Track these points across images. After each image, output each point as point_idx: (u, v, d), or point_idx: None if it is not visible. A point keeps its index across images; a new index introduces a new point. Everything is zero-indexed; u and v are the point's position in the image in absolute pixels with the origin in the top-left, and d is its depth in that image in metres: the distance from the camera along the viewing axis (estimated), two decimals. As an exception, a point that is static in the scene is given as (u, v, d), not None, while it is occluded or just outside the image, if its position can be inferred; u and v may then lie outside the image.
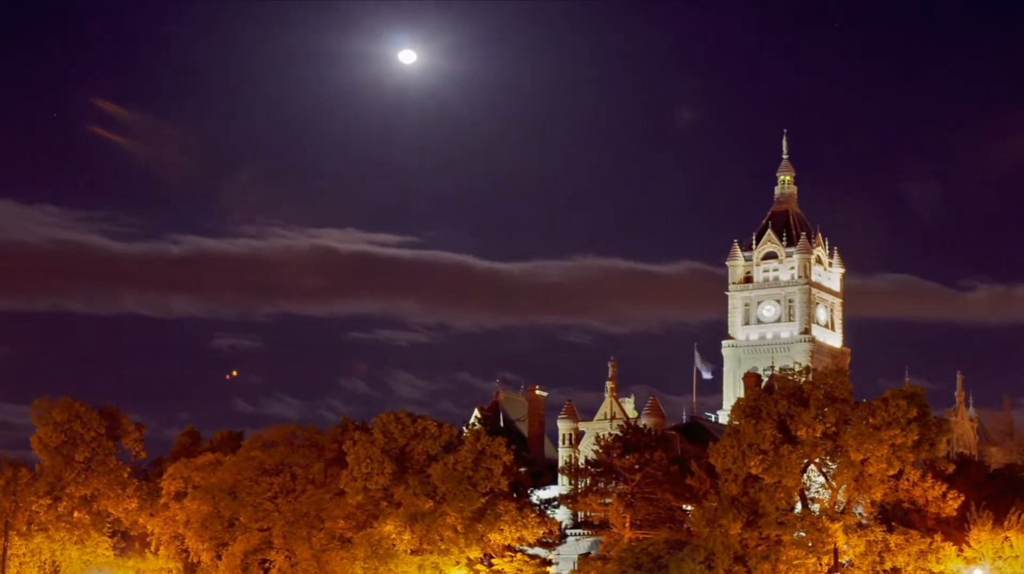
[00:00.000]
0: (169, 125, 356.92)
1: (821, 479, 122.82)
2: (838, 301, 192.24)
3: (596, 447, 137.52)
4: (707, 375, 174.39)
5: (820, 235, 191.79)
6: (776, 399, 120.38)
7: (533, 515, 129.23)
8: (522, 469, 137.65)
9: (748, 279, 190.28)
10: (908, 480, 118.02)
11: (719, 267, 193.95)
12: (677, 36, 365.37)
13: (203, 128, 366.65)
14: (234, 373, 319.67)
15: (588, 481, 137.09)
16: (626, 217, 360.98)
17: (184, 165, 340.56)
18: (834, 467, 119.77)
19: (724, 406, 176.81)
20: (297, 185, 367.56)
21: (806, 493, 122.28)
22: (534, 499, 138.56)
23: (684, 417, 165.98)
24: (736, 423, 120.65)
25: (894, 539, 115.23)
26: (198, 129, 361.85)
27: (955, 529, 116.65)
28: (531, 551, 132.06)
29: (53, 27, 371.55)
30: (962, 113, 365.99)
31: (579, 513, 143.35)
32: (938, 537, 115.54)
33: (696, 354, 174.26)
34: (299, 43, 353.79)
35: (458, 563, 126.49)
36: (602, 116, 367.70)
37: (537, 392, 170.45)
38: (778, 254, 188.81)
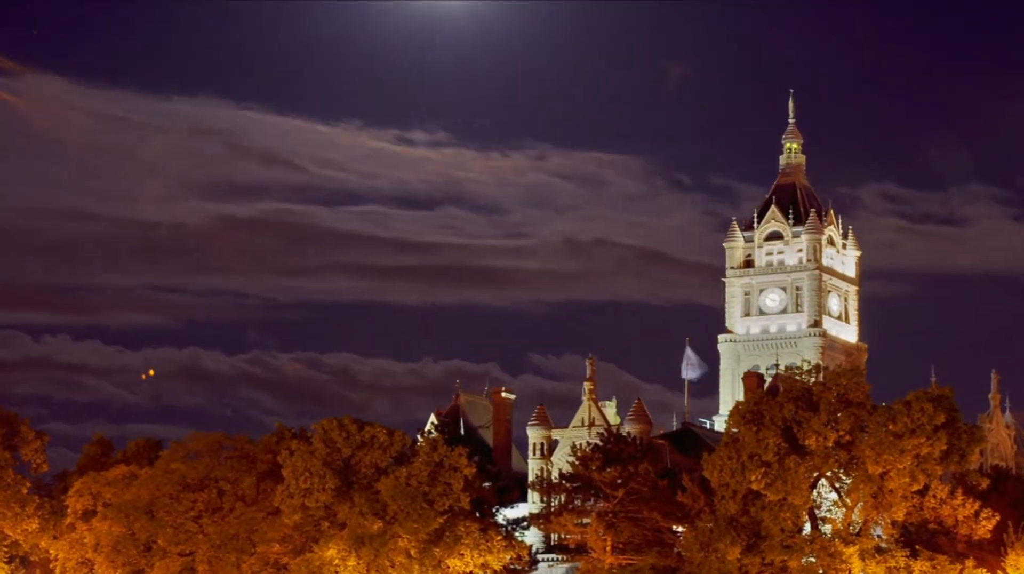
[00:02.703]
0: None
1: (834, 496, 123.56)
2: (853, 289, 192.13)
3: (572, 458, 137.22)
4: (691, 375, 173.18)
5: (832, 212, 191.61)
6: (781, 402, 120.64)
7: (499, 538, 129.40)
8: (486, 484, 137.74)
9: (748, 263, 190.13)
10: (935, 497, 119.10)
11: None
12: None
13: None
14: (151, 372, 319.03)
15: (563, 498, 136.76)
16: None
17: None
18: (848, 482, 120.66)
19: (721, 410, 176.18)
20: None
21: (816, 512, 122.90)
22: (500, 519, 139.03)
23: (674, 423, 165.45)
24: (735, 430, 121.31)
25: (918, 565, 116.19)
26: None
27: (989, 553, 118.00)
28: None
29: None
30: (990, 71, 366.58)
31: (552, 535, 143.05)
32: (969, 563, 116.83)
33: (688, 350, 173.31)
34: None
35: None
36: (593, 69, 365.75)
37: (503, 394, 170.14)
38: (783, 234, 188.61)
